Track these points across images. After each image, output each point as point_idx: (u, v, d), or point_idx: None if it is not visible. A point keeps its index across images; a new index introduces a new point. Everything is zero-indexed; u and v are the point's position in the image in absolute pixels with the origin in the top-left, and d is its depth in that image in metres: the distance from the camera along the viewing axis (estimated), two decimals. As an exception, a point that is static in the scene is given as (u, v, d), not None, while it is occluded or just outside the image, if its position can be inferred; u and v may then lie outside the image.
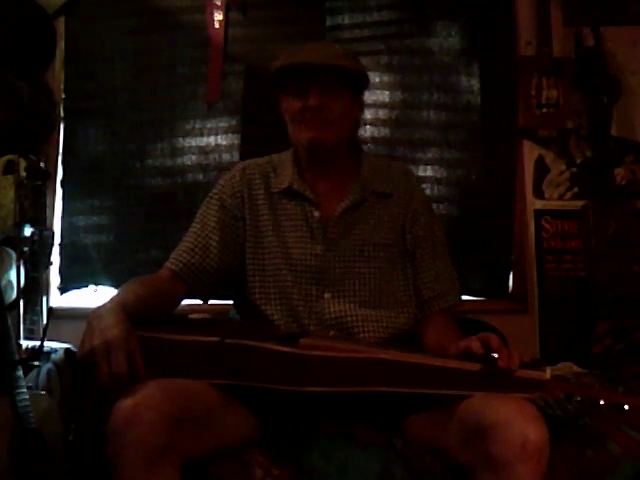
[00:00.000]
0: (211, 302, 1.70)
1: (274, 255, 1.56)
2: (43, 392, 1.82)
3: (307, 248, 1.55)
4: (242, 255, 1.58)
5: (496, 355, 1.25)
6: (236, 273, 1.58)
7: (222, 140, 2.63)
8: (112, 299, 1.34)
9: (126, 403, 1.17)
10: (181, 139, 2.63)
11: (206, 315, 1.66)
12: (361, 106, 1.66)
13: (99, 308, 1.30)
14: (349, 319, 1.50)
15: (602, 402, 1.47)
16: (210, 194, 1.63)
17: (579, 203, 2.60)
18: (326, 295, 1.52)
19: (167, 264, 1.56)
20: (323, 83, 1.52)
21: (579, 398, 1.50)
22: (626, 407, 1.44)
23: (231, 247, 1.57)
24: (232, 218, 1.59)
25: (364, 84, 1.64)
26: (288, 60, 1.54)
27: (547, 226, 2.64)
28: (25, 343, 2.07)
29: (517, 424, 1.14)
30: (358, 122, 1.72)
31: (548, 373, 1.26)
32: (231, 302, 1.69)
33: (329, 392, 1.26)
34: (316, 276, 1.53)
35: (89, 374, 1.23)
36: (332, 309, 1.51)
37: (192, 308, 1.85)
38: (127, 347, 1.22)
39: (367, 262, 1.55)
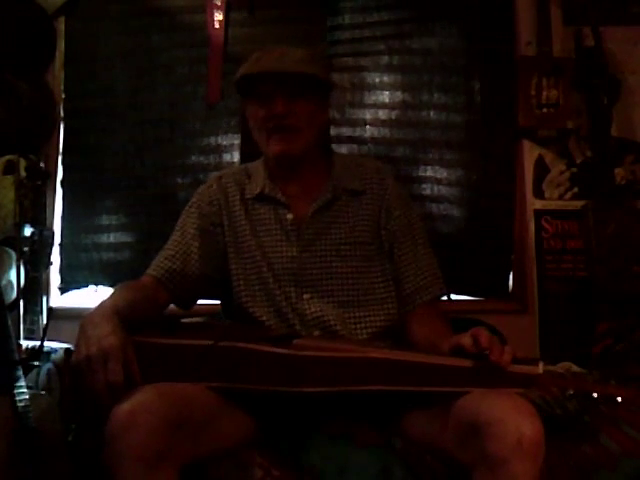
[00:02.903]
0: (207, 303, 1.71)
1: (255, 259, 1.57)
2: (43, 392, 1.82)
3: (283, 250, 1.56)
4: (223, 260, 1.59)
5: (487, 351, 1.25)
6: (219, 278, 1.59)
7: (222, 140, 2.63)
8: (104, 304, 1.33)
9: (123, 408, 1.17)
10: (181, 139, 2.63)
11: (199, 319, 1.66)
12: (327, 109, 1.67)
13: (92, 314, 1.30)
14: (329, 319, 1.51)
15: (595, 395, 1.47)
16: (189, 203, 1.66)
17: (579, 203, 2.60)
18: (305, 296, 1.53)
19: (148, 271, 1.57)
20: (288, 90, 1.52)
21: (572, 392, 1.50)
22: (619, 399, 1.45)
23: (211, 253, 1.59)
24: (211, 225, 1.60)
25: (329, 88, 1.65)
26: (252, 68, 1.55)
27: (547, 226, 2.64)
28: (25, 343, 2.07)
29: (512, 420, 1.14)
30: (326, 124, 1.72)
31: (541, 368, 1.26)
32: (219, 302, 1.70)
33: (325, 392, 1.26)
34: (294, 278, 1.54)
35: (83, 380, 1.22)
36: (312, 309, 1.52)
37: (185, 312, 1.86)
38: (124, 356, 1.22)
39: (344, 261, 1.56)
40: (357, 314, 1.53)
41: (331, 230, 1.58)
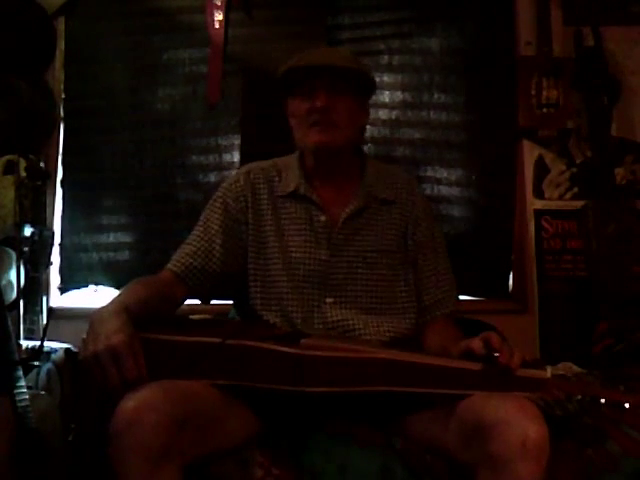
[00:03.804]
0: (212, 302, 1.70)
1: (275, 261, 1.55)
2: (43, 392, 1.82)
3: (311, 252, 1.55)
4: (244, 259, 1.57)
5: (497, 354, 1.25)
6: (238, 277, 1.58)
7: (222, 140, 2.62)
8: (114, 300, 1.33)
9: (128, 405, 1.17)
10: (181, 139, 2.63)
11: (207, 316, 1.66)
12: (367, 111, 1.67)
13: (101, 310, 1.29)
14: (350, 324, 1.50)
15: (603, 401, 1.47)
16: (214, 197, 1.63)
17: (579, 203, 2.60)
18: (328, 300, 1.52)
19: (169, 266, 1.56)
20: (330, 85, 1.52)
21: (579, 397, 1.50)
22: (626, 405, 1.45)
23: (234, 251, 1.57)
24: (235, 222, 1.58)
25: (371, 89, 1.64)
26: (296, 62, 1.55)
27: (547, 226, 2.64)
28: (25, 343, 2.07)
29: (517, 423, 1.14)
30: (364, 127, 1.72)
31: (549, 372, 1.26)
32: (231, 302, 1.69)
33: (331, 392, 1.26)
34: (319, 281, 1.53)
35: (91, 377, 1.22)
36: (334, 314, 1.51)
37: (192, 308, 1.85)
38: (132, 352, 1.22)
39: (370, 268, 1.55)
40: (379, 321, 1.52)
41: (360, 237, 1.57)
